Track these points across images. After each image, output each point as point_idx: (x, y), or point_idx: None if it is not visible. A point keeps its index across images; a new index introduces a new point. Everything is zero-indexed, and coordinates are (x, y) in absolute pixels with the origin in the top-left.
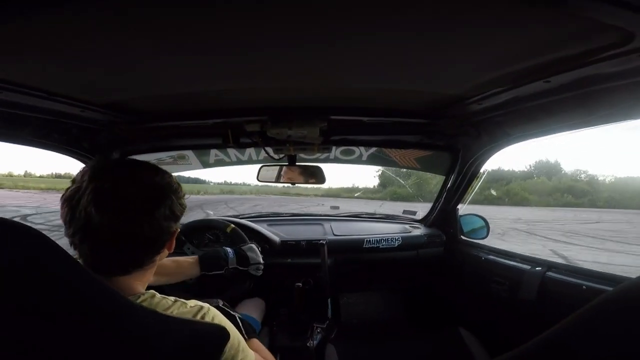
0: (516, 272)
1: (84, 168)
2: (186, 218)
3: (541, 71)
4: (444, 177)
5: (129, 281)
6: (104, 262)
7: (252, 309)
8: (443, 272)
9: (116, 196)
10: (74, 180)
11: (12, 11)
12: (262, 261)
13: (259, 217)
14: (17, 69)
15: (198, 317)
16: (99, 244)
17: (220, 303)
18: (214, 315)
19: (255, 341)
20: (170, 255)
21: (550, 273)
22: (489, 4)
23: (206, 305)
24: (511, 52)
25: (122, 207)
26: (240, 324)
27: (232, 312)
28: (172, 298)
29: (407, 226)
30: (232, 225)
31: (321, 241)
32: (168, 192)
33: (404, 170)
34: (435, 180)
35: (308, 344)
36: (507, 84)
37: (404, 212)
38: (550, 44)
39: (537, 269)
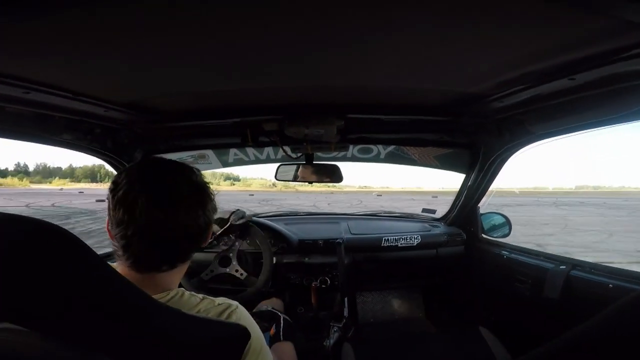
0: (539, 270)
1: (124, 169)
2: None
3: (566, 69)
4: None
5: (170, 277)
6: (157, 257)
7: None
8: (463, 271)
9: (173, 193)
10: (115, 182)
11: (37, 11)
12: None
13: (276, 216)
14: (44, 70)
15: (225, 315)
16: (158, 240)
17: (270, 307)
18: (240, 314)
19: (288, 344)
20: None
21: (575, 271)
22: (511, 2)
23: (234, 303)
24: (535, 50)
25: (182, 202)
26: (282, 325)
27: (279, 313)
28: (201, 295)
29: (426, 224)
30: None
31: (338, 240)
32: (209, 190)
33: None
34: None
35: (325, 343)
36: (529, 82)
37: (423, 210)
38: (576, 41)
39: (561, 267)
